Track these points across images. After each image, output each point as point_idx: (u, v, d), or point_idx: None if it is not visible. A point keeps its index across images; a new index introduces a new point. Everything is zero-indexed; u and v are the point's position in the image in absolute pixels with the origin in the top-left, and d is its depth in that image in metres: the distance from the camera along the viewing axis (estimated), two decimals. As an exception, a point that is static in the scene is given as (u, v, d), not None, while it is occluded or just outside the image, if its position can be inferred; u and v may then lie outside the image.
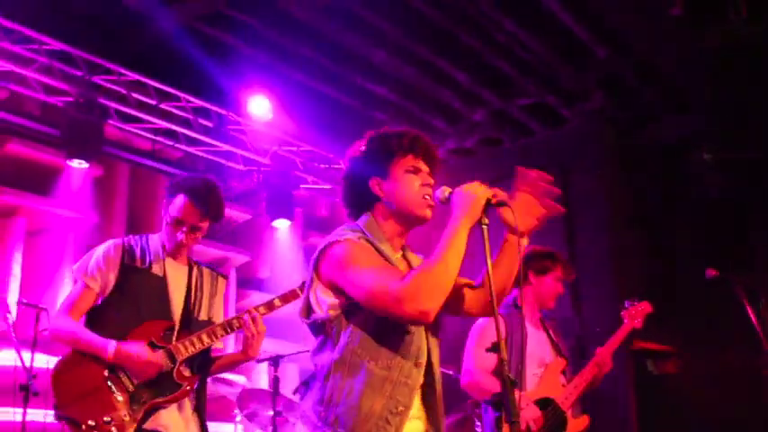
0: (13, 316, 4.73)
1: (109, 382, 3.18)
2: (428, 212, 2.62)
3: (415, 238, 2.77)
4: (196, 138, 6.98)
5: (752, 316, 4.43)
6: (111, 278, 3.32)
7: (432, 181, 2.65)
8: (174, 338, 3.32)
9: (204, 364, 3.43)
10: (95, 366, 3.19)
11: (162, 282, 3.38)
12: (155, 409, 3.21)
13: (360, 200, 2.71)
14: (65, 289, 5.71)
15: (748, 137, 6.61)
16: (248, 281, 7.67)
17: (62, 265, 6.10)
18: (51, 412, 3.26)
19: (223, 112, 6.96)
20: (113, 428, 3.10)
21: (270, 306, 3.47)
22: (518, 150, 7.75)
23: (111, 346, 3.18)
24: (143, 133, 6.73)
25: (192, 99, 6.73)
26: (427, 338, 2.56)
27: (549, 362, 4.31)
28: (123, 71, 6.23)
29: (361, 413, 2.39)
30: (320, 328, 2.52)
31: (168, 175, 6.76)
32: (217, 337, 3.34)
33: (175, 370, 3.26)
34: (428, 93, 7.13)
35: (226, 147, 7.18)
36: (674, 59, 6.42)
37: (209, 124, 6.97)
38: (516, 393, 2.29)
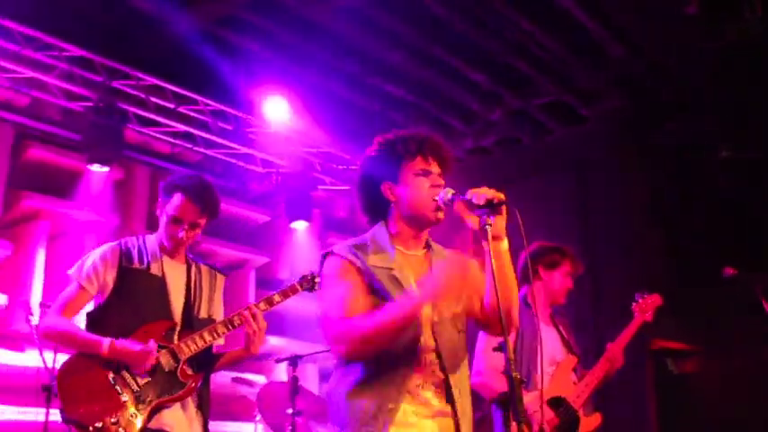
0: (35, 318, 4.77)
1: (114, 383, 3.19)
2: (440, 215, 2.64)
3: (433, 236, 2.82)
4: (214, 140, 7.06)
5: (770, 315, 4.37)
6: (110, 280, 3.33)
7: (442, 182, 2.66)
8: (176, 338, 3.33)
9: (206, 361, 3.43)
10: (100, 368, 3.20)
11: (161, 281, 3.38)
12: (159, 408, 3.22)
13: (374, 205, 2.75)
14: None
15: (765, 136, 6.56)
16: (267, 282, 7.72)
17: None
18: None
19: (241, 114, 7.02)
20: (120, 429, 3.11)
21: (270, 302, 3.48)
22: (535, 150, 7.73)
23: (106, 341, 3.19)
24: (162, 137, 6.83)
25: (209, 102, 6.81)
26: (436, 338, 2.58)
27: (560, 360, 4.25)
28: (142, 76, 6.32)
29: (350, 411, 2.50)
30: None
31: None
32: (219, 335, 3.35)
33: (179, 369, 3.27)
34: (445, 93, 7.14)
35: (244, 149, 7.25)
36: (690, 59, 6.38)
37: (228, 127, 7.04)
38: (525, 393, 2.31)
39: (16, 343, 5.72)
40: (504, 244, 2.52)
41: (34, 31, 5.72)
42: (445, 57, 6.51)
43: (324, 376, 7.48)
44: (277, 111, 6.86)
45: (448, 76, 6.82)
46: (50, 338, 3.40)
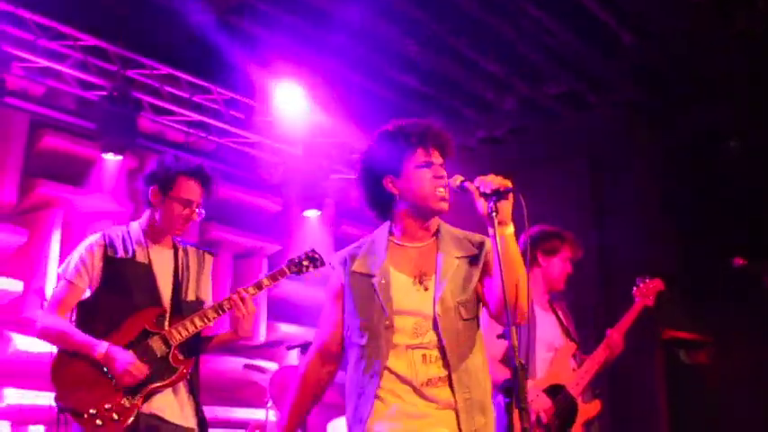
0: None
1: (106, 371, 3.22)
2: (443, 205, 2.67)
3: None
4: (228, 129, 7.09)
5: (778, 305, 4.33)
6: (97, 272, 3.36)
7: (444, 172, 2.67)
8: (166, 323, 3.36)
9: (196, 345, 3.46)
10: (92, 357, 3.24)
11: (147, 269, 3.41)
12: (152, 393, 3.27)
13: (378, 199, 2.78)
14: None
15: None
16: (280, 270, 7.77)
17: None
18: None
19: (254, 103, 7.05)
20: (114, 415, 3.16)
21: (259, 286, 3.49)
22: (547, 139, 7.72)
23: (102, 347, 3.22)
24: (176, 126, 6.87)
25: (223, 91, 6.84)
26: (439, 333, 2.60)
27: (558, 346, 4.21)
28: (156, 65, 6.35)
29: (348, 387, 2.69)
30: None
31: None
32: (209, 320, 3.38)
33: (171, 354, 3.31)
34: (458, 82, 7.14)
35: (257, 138, 7.29)
36: (703, 48, 6.35)
37: (241, 116, 7.08)
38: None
39: (31, 329, 5.78)
40: (510, 229, 2.53)
41: (49, 21, 5.76)
42: (458, 47, 6.52)
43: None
44: (290, 99, 6.87)
45: (461, 65, 6.83)
46: (46, 339, 3.40)
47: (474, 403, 2.61)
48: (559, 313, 4.34)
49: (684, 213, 6.98)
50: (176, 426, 3.31)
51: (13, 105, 5.97)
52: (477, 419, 2.60)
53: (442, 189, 2.65)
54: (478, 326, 2.74)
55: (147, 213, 3.52)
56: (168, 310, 3.39)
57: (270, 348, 7.33)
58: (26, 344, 5.66)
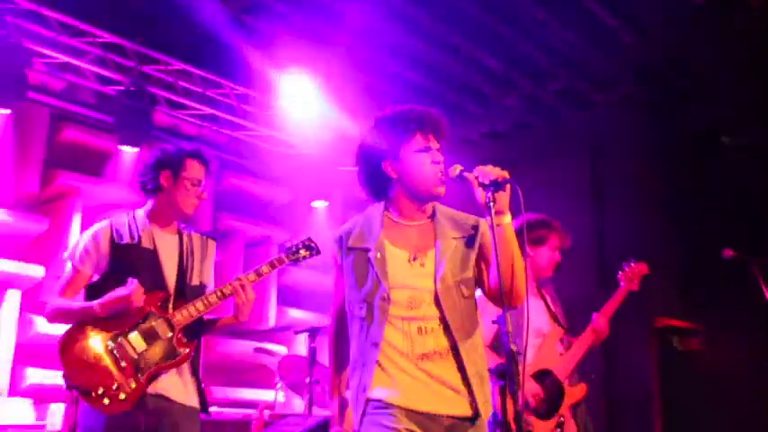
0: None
1: (114, 351, 3.30)
2: (441, 189, 2.75)
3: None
4: (239, 123, 7.30)
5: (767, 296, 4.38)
6: (104, 258, 3.42)
7: (441, 157, 2.75)
8: (170, 307, 3.43)
9: (198, 329, 3.53)
10: (99, 337, 3.31)
11: (153, 254, 3.46)
12: (157, 374, 3.34)
13: (375, 182, 2.85)
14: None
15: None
16: (289, 258, 7.98)
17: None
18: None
19: (264, 97, 7.21)
20: (122, 395, 3.24)
21: (258, 273, 3.56)
22: (549, 134, 7.80)
23: (95, 302, 3.30)
24: (189, 119, 7.08)
25: (234, 86, 7.02)
26: (440, 306, 2.67)
27: (546, 331, 4.21)
28: (171, 61, 6.53)
29: (352, 358, 2.80)
30: None
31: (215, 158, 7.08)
32: (211, 305, 3.46)
33: (174, 337, 3.40)
34: (461, 79, 7.26)
35: (267, 131, 7.49)
36: (702, 46, 6.42)
37: (252, 110, 7.28)
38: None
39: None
40: (507, 218, 2.61)
41: (70, 19, 5.92)
42: (462, 44, 6.64)
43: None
44: (299, 93, 6.99)
45: (465, 62, 6.94)
46: (54, 319, 3.44)
47: (483, 378, 2.69)
48: (547, 299, 4.36)
49: (682, 208, 7.01)
50: (181, 405, 3.40)
51: (34, 100, 6.17)
52: (486, 391, 2.70)
53: (441, 173, 2.71)
54: (476, 305, 2.80)
55: (150, 201, 3.60)
56: (173, 294, 3.45)
57: (279, 333, 7.55)
58: (47, 326, 5.81)
